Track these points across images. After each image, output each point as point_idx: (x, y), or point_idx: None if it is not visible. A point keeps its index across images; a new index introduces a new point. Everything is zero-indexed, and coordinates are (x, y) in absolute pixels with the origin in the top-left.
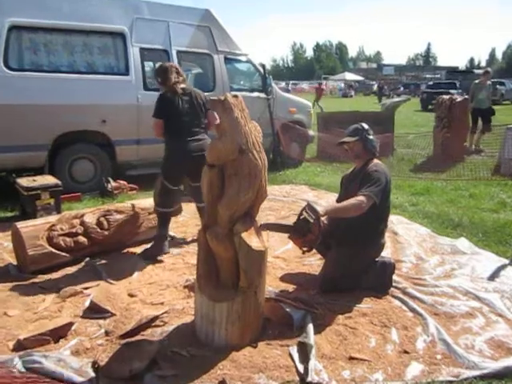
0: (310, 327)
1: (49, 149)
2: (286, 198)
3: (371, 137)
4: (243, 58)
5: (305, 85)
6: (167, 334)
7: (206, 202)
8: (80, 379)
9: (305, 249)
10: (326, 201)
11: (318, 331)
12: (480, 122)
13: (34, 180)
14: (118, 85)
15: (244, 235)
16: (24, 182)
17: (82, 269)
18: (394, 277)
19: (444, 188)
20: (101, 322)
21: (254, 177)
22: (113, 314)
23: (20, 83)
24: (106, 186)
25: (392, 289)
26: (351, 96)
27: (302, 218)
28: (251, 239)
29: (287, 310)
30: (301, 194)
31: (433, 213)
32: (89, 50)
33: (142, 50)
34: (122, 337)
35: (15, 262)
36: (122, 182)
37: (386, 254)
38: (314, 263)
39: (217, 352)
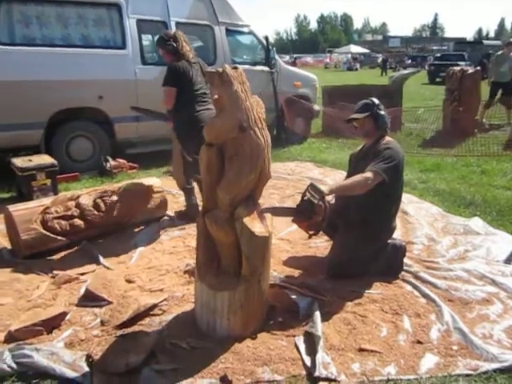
0: (317, 315)
1: (44, 127)
2: (291, 175)
3: (382, 112)
4: (245, 30)
5: (309, 58)
6: (166, 323)
7: (204, 184)
8: (73, 374)
9: (311, 232)
10: (332, 178)
11: (325, 319)
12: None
13: (30, 160)
14: (115, 59)
15: (246, 220)
16: (19, 162)
17: (79, 253)
18: (405, 260)
19: (454, 164)
20: (97, 310)
21: (256, 157)
22: (109, 302)
23: (12, 58)
24: (104, 165)
25: (403, 273)
26: (356, 69)
27: (305, 199)
28: (254, 224)
29: (293, 297)
30: (306, 171)
31: (444, 190)
32: (83, 22)
33: (138, 21)
34: (119, 327)
35: (9, 247)
36: (121, 160)
37: (397, 235)
38: (320, 245)
39: (218, 343)
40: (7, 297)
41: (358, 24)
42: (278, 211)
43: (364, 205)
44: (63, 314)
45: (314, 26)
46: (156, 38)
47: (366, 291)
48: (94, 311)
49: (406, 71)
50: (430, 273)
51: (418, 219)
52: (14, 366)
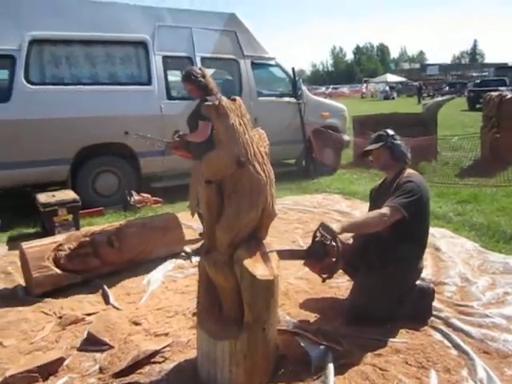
0: (330, 368)
1: (71, 162)
2: (317, 208)
3: (398, 142)
4: (271, 62)
5: (345, 89)
6: (166, 372)
7: (206, 223)
8: None
9: (324, 276)
10: (360, 211)
11: (339, 373)
12: None
13: (53, 195)
14: (141, 95)
15: (247, 263)
16: (43, 197)
17: (91, 291)
18: (435, 303)
19: (494, 195)
20: (97, 355)
21: (256, 193)
22: (111, 347)
23: (41, 97)
24: (128, 200)
25: (432, 318)
26: (393, 98)
27: (316, 239)
28: (256, 267)
29: (304, 346)
30: (333, 204)
31: (481, 224)
32: (110, 60)
33: (164, 58)
34: (116, 375)
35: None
36: (145, 194)
37: (426, 274)
38: (342, 285)
39: None
40: (11, 338)
41: (394, 53)
42: (285, 255)
43: (383, 245)
44: (61, 360)
45: (350, 57)
46: (182, 73)
47: (389, 340)
48: (95, 356)
49: (440, 98)
50: (462, 319)
51: (451, 256)
52: None
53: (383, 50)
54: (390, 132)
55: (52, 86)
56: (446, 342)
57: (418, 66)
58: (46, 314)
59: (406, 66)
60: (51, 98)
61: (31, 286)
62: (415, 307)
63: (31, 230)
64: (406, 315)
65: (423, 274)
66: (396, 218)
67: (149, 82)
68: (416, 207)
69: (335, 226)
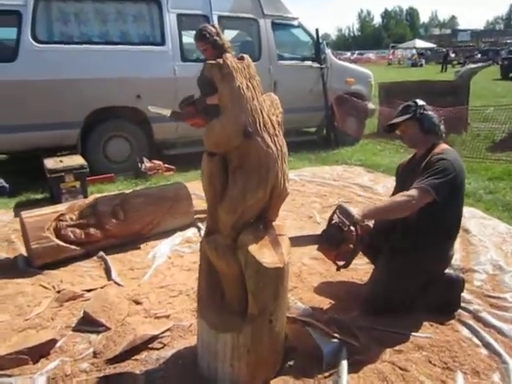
0: (344, 366)
1: (81, 126)
2: (337, 181)
3: (430, 113)
4: (294, 23)
5: (371, 54)
6: (164, 360)
7: (207, 202)
8: None
9: (340, 263)
10: (383, 185)
11: (354, 371)
12: None
13: (61, 161)
14: (154, 56)
15: (252, 248)
16: (50, 163)
17: (94, 265)
18: (464, 293)
19: None
20: (92, 337)
21: (265, 170)
22: (107, 328)
23: (49, 57)
24: (139, 167)
25: (460, 311)
26: (421, 65)
27: (333, 223)
28: (263, 253)
29: (316, 338)
30: (354, 177)
31: None
32: (122, 18)
33: (179, 16)
34: (110, 361)
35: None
36: (157, 162)
37: (454, 260)
38: (360, 268)
39: None
40: (5, 313)
41: (424, 18)
42: (296, 241)
43: (411, 228)
44: (53, 342)
45: (377, 21)
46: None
47: (411, 334)
48: (90, 338)
49: (474, 65)
50: (494, 314)
51: (481, 240)
52: None
53: (413, 14)
54: (420, 102)
55: (60, 45)
56: (475, 340)
57: (448, 31)
58: (45, 287)
59: (436, 31)
60: (59, 57)
61: (31, 257)
62: (441, 298)
63: (39, 196)
64: (431, 306)
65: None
66: (426, 202)
67: (162, 42)
68: (449, 189)
69: (355, 211)
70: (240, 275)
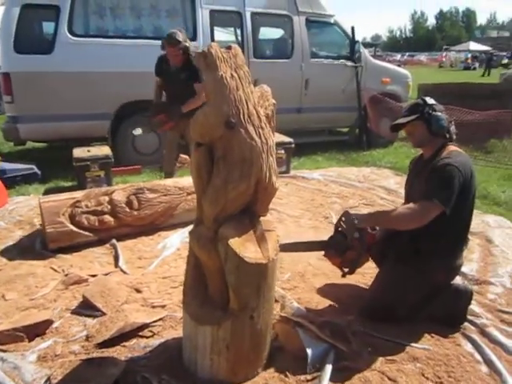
0: (327, 371)
1: (112, 118)
2: (362, 183)
3: (439, 113)
4: (329, 20)
5: (423, 56)
6: (151, 349)
7: (196, 192)
8: None
9: (346, 270)
10: None
11: (338, 378)
12: None
13: (88, 151)
14: None
15: (234, 242)
16: (77, 152)
17: (105, 252)
18: (473, 306)
19: None
20: (88, 321)
21: (248, 163)
22: (103, 314)
23: (84, 50)
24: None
25: (466, 324)
26: (474, 68)
27: (339, 229)
28: (245, 247)
29: (303, 340)
30: (381, 179)
31: None
32: (156, 13)
33: (212, 12)
34: (99, 345)
35: None
36: (183, 156)
37: (470, 270)
38: (367, 272)
39: None
40: (14, 292)
41: (482, 19)
42: (301, 247)
43: (419, 233)
44: (48, 322)
45: (432, 22)
46: (167, 35)
47: (408, 344)
48: (86, 322)
49: None
50: (503, 330)
51: (504, 251)
52: None
53: (469, 15)
54: (429, 101)
55: (95, 39)
56: (477, 356)
57: (507, 34)
58: (55, 270)
59: (494, 33)
60: (94, 50)
61: (46, 241)
62: (446, 310)
63: (68, 184)
64: (435, 317)
65: (466, 270)
66: (435, 215)
67: (194, 38)
68: (458, 197)
69: (359, 218)
70: (222, 269)
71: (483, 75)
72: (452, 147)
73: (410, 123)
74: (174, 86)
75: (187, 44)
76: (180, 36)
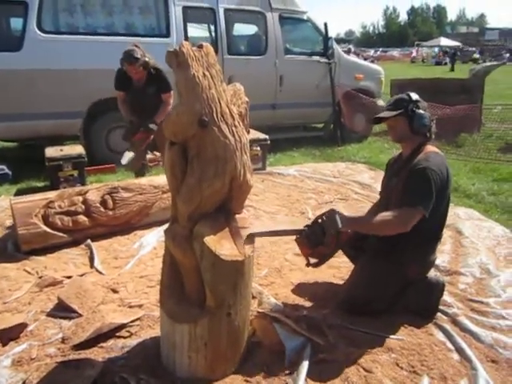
0: (304, 365)
1: (84, 117)
2: (337, 178)
3: (421, 111)
4: (302, 17)
5: (395, 52)
6: (129, 349)
7: (171, 191)
8: None
9: (312, 261)
10: None
11: (314, 371)
12: None
13: (61, 150)
14: (158, 48)
15: (209, 239)
16: (50, 151)
17: (80, 253)
18: (445, 296)
19: None
20: (64, 323)
21: (222, 161)
22: (79, 315)
23: (54, 47)
24: None
25: (439, 314)
26: (445, 63)
27: (319, 222)
28: (221, 245)
29: (281, 334)
30: (355, 174)
31: None
32: (128, 9)
33: (185, 8)
34: (76, 347)
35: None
36: (158, 153)
37: (441, 261)
38: (343, 266)
39: None
40: None
41: (452, 16)
42: (275, 233)
43: None
44: (22, 326)
45: (404, 17)
46: (123, 54)
47: (383, 335)
48: (61, 324)
49: (489, 63)
50: (473, 318)
51: (474, 242)
52: None
53: (440, 11)
54: (414, 96)
55: (65, 36)
56: (449, 345)
57: (476, 30)
58: (28, 272)
59: (464, 29)
60: (64, 47)
61: (19, 242)
62: (419, 301)
63: (40, 184)
64: (408, 309)
65: (438, 261)
66: (416, 220)
67: (167, 34)
68: (436, 197)
69: (342, 221)
70: (197, 267)
71: (451, 70)
72: (430, 147)
73: (393, 117)
74: (141, 101)
75: (146, 59)
76: (138, 52)
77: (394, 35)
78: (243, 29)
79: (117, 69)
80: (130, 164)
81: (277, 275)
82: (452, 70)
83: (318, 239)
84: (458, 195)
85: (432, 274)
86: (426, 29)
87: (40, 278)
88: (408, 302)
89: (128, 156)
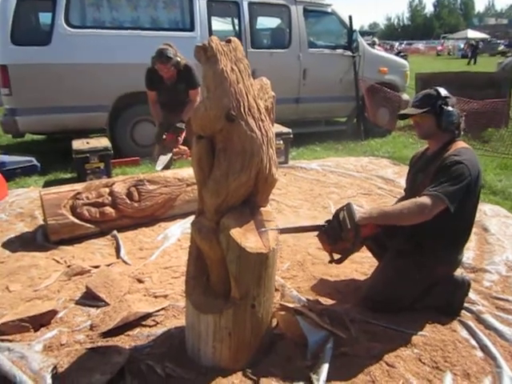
0: (327, 357)
1: (109, 110)
2: (360, 173)
3: (450, 108)
4: (327, 10)
5: (420, 45)
6: (154, 338)
7: (197, 184)
8: None
9: (335, 257)
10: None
11: (337, 365)
12: None
13: (87, 143)
14: (183, 42)
15: (235, 232)
16: (77, 144)
17: (106, 243)
18: (470, 293)
19: None
20: (92, 311)
21: (249, 154)
22: (107, 304)
23: (81, 41)
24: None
25: (463, 311)
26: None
27: (338, 218)
28: (246, 238)
29: (303, 327)
30: (378, 169)
31: None
32: (153, 4)
33: (209, 2)
34: (104, 334)
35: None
36: (182, 147)
37: (466, 258)
38: (365, 261)
39: (199, 374)
40: (17, 283)
41: (480, 7)
42: (294, 230)
43: (421, 229)
44: (52, 313)
45: (430, 9)
46: (157, 53)
47: (406, 331)
48: (90, 312)
49: None
50: (498, 316)
51: (500, 239)
52: None
53: (467, 2)
54: (443, 92)
55: (92, 30)
56: (473, 342)
57: (505, 21)
58: (57, 261)
59: (492, 21)
60: (91, 42)
61: (48, 232)
62: (444, 300)
63: (68, 176)
64: (432, 307)
65: (463, 258)
66: (439, 210)
67: (191, 28)
68: (464, 194)
69: (361, 214)
70: (223, 259)
71: (468, 64)
72: (460, 143)
73: (419, 114)
74: (172, 99)
75: (178, 58)
76: (170, 52)
77: (419, 27)
78: (267, 22)
79: (146, 68)
80: (164, 168)
81: (299, 269)
82: (469, 63)
83: (336, 234)
84: (485, 192)
85: (458, 272)
86: (452, 21)
87: (68, 267)
88: (432, 300)
89: (162, 161)
